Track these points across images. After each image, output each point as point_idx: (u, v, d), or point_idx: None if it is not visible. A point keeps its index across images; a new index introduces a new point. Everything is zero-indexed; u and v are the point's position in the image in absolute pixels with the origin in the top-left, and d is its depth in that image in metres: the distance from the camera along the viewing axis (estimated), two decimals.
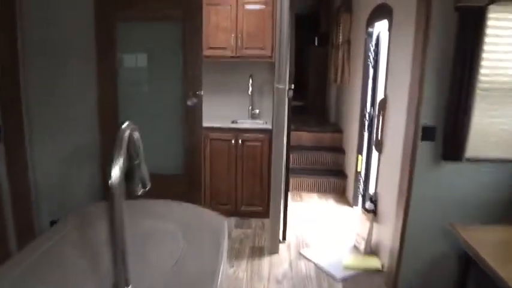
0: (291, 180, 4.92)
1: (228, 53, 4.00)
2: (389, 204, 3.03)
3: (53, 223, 2.47)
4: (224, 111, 4.47)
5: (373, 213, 3.44)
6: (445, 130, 2.51)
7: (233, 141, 3.92)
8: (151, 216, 1.65)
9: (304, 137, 5.45)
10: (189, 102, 2.60)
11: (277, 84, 3.10)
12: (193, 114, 2.70)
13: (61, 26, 2.75)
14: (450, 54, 2.40)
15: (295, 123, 5.86)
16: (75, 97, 2.80)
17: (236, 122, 4.21)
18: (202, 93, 2.70)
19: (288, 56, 3.12)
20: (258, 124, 4.08)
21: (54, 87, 2.80)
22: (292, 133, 5.46)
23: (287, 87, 3.16)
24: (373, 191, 3.63)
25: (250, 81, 4.24)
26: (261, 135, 3.88)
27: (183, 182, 2.84)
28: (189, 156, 2.82)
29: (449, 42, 2.39)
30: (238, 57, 4.01)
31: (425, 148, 2.58)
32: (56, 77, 2.79)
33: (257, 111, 4.36)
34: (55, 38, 2.75)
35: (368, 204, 3.51)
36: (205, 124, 3.95)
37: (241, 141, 3.92)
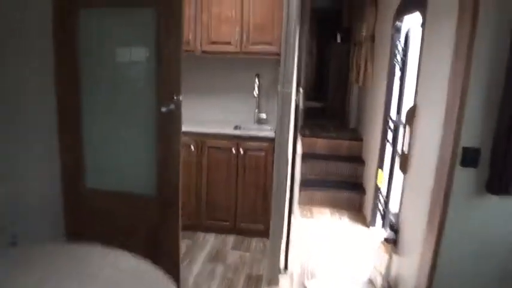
0: (301, 193, 4.39)
1: (232, 48, 3.49)
2: (415, 235, 2.47)
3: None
4: (226, 115, 3.96)
5: (393, 243, 2.88)
6: (493, 155, 1.94)
7: (234, 150, 3.42)
8: (69, 276, 1.16)
9: (320, 143, 4.89)
10: (163, 109, 2.09)
11: (281, 87, 2.57)
12: (168, 123, 2.17)
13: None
14: (504, 61, 1.82)
15: (311, 128, 5.32)
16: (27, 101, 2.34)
17: (239, 128, 3.70)
18: (181, 98, 2.19)
19: (296, 54, 2.58)
20: (264, 131, 3.56)
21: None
22: (306, 139, 4.96)
23: (294, 91, 2.63)
24: (395, 217, 3.06)
25: (257, 81, 3.71)
26: (265, 144, 3.36)
27: (155, 207, 2.32)
28: (164, 174, 2.28)
29: (504, 45, 1.81)
30: (243, 53, 3.49)
31: (465, 175, 2.01)
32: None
33: (264, 115, 3.83)
34: None
35: (388, 233, 2.95)
36: (203, 130, 3.48)
37: (244, 150, 3.41)
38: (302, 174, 4.60)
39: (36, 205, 2.36)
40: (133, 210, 2.36)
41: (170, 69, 2.11)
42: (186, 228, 3.64)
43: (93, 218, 2.43)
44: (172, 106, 2.09)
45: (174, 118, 2.15)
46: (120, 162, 2.45)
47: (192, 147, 3.47)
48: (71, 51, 2.30)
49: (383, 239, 3.01)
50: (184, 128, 3.34)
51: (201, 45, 3.53)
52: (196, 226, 3.64)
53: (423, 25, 2.65)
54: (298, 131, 2.96)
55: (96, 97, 2.40)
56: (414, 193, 2.65)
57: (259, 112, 3.85)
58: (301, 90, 2.67)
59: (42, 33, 2.34)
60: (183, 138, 3.39)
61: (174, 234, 2.32)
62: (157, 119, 2.19)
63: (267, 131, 3.49)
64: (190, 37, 3.51)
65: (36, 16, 2.30)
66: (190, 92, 4.07)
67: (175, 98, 2.10)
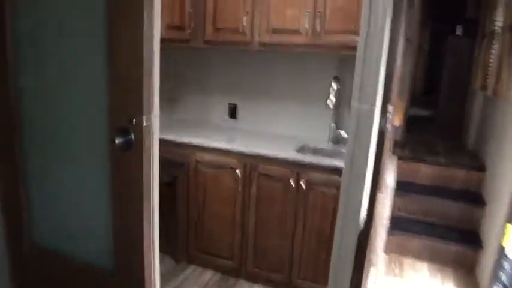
0: (389, 238, 3.26)
1: (301, 39, 2.51)
2: None
3: None
4: (289, 130, 3.01)
5: None
6: None
7: (293, 182, 2.46)
8: None
9: (423, 171, 3.65)
10: (118, 140, 1.21)
11: (357, 101, 1.56)
12: (127, 162, 1.28)
13: None
14: None
15: (413, 147, 4.08)
16: None
17: (305, 150, 2.73)
18: (157, 115, 1.29)
19: (384, 52, 1.54)
20: (338, 158, 2.54)
21: None
22: (405, 164, 3.76)
23: (378, 110, 1.58)
24: None
25: (334, 85, 2.68)
26: (338, 178, 2.34)
27: (111, 284, 1.46)
28: (125, 240, 1.40)
29: None
30: (316, 46, 2.50)
31: None
32: None
33: (343, 133, 2.79)
34: None
35: None
36: (254, 150, 2.58)
37: (306, 183, 2.44)
38: (393, 210, 3.45)
39: None
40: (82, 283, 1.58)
41: (129, 73, 1.22)
42: (226, 271, 2.83)
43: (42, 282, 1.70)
44: (130, 136, 1.22)
45: (135, 153, 1.27)
46: (67, 219, 1.68)
47: (238, 173, 2.60)
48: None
49: None
50: (228, 146, 2.53)
51: (258, 35, 2.62)
52: (238, 272, 2.78)
53: None
54: (385, 160, 1.91)
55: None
56: None
57: (337, 128, 2.81)
58: (390, 108, 1.61)
59: None
60: (227, 159, 2.58)
61: None
62: (111, 155, 1.33)
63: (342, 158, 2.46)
64: (244, 23, 2.62)
65: None
66: (242, 97, 3.13)
67: (134, 121, 1.22)
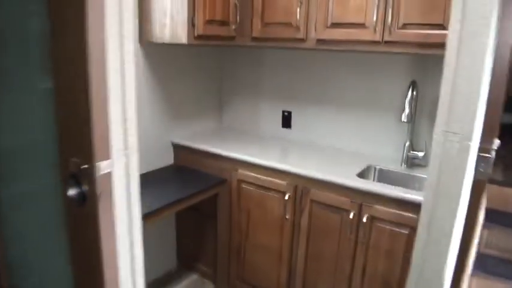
0: (472, 281, 2.61)
1: (368, 34, 1.98)
2: None
3: None
4: (351, 143, 2.49)
5: None
6: None
7: (352, 214, 1.97)
8: None
9: None
10: (71, 192, 0.82)
11: (440, 131, 1.03)
12: (86, 221, 0.86)
13: None
14: None
15: (505, 165, 3.32)
16: None
17: (370, 172, 2.21)
18: (132, 153, 0.89)
19: (486, 57, 0.99)
20: (412, 186, 1.99)
21: None
22: (494, 188, 3.01)
23: (474, 145, 1.04)
24: None
25: (411, 93, 2.11)
26: (411, 216, 1.80)
27: None
28: None
29: None
30: (387, 43, 1.96)
31: None
32: None
33: (420, 154, 2.21)
34: None
35: None
36: (306, 171, 2.12)
37: (370, 217, 1.93)
38: (478, 245, 2.78)
39: None
40: None
41: (66, 100, 0.82)
42: None
43: None
44: (84, 187, 0.83)
45: (89, 211, 0.86)
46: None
47: (287, 197, 2.16)
48: None
49: None
50: (276, 164, 2.10)
51: (315, 31, 2.14)
52: None
53: None
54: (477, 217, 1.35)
55: None
56: None
57: (412, 148, 2.24)
58: (495, 144, 1.05)
59: None
60: (274, 180, 2.15)
61: None
62: (68, 209, 0.95)
63: (421, 192, 1.90)
64: (297, 16, 2.15)
65: None
66: (298, 103, 2.66)
67: (85, 167, 0.81)
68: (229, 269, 2.53)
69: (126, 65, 0.79)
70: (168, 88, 2.53)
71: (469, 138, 1.00)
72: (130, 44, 0.81)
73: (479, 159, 1.02)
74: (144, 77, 2.35)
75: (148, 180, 2.37)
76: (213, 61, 2.86)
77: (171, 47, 2.45)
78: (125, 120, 0.82)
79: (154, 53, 2.38)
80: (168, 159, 2.63)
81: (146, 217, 1.90)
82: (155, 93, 2.45)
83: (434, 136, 1.07)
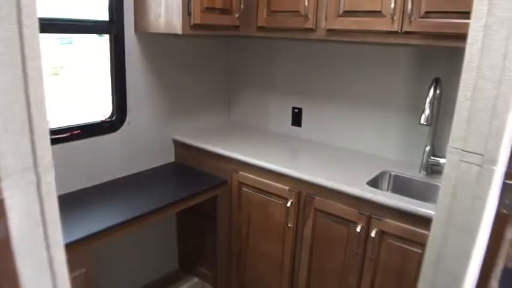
0: None
1: (385, 24, 1.73)
2: None
3: None
4: (365, 144, 2.26)
5: None
6: None
7: (359, 227, 1.75)
8: None
9: None
10: None
11: (455, 149, 0.81)
12: None
13: None
14: None
15: None
16: None
17: (383, 179, 1.98)
18: (29, 183, 0.71)
19: None
20: (431, 198, 1.76)
21: None
22: None
23: (500, 169, 0.81)
24: None
25: (433, 92, 1.85)
26: (426, 232, 1.57)
27: None
28: None
29: None
30: (406, 34, 1.70)
31: None
32: None
33: (443, 161, 1.95)
34: None
35: None
36: (311, 177, 1.90)
37: (380, 231, 1.71)
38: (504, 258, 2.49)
39: None
40: None
41: None
42: None
43: None
44: None
45: None
46: None
47: (289, 203, 1.96)
48: None
49: None
50: (277, 167, 1.92)
51: (325, 19, 1.90)
52: None
53: None
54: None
55: None
56: None
57: (433, 153, 1.98)
58: None
59: None
60: (276, 184, 1.96)
61: None
62: None
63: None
64: (306, 3, 1.92)
65: None
66: (309, 100, 2.43)
67: None
68: (229, 274, 2.37)
69: (27, 44, 0.61)
70: (169, 82, 2.37)
71: (493, 161, 0.78)
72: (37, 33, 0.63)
73: (506, 189, 0.80)
74: (141, 69, 2.19)
75: (147, 179, 2.24)
76: (220, 53, 2.66)
77: (172, 38, 2.27)
78: (30, 130, 0.64)
79: (153, 44, 2.21)
80: (169, 156, 2.48)
81: (143, 218, 1.82)
82: (155, 87, 2.29)
83: (448, 155, 0.84)
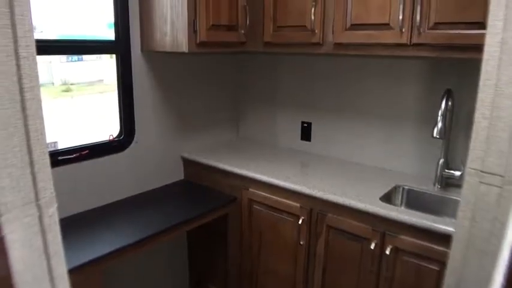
0: None
1: (393, 36, 1.70)
2: None
3: None
4: (376, 159, 2.21)
5: None
6: None
7: (373, 245, 1.70)
8: None
9: None
10: None
11: (473, 170, 0.77)
12: None
13: None
14: None
15: None
16: None
17: (396, 194, 1.93)
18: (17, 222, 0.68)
19: None
20: (446, 213, 1.71)
21: None
22: None
23: None
24: None
25: (445, 103, 1.81)
26: (443, 249, 1.52)
27: None
28: None
29: None
30: (416, 46, 1.67)
31: None
32: None
33: (457, 174, 1.90)
34: None
35: None
36: (323, 193, 1.86)
37: (394, 248, 1.66)
38: None
39: None
40: None
41: None
42: None
43: None
44: None
45: None
46: None
47: (301, 221, 1.92)
48: None
49: None
50: (288, 184, 1.88)
51: (332, 33, 1.88)
52: None
53: None
54: None
55: None
56: None
57: (447, 166, 1.93)
58: None
59: None
60: (287, 201, 1.92)
61: None
62: None
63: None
64: (312, 17, 1.90)
65: None
66: (318, 114, 2.38)
67: None
68: None
69: (24, 76, 0.59)
70: (177, 99, 2.36)
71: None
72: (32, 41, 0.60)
73: None
74: (149, 88, 2.18)
75: (157, 197, 2.22)
76: (227, 69, 2.65)
77: (179, 56, 2.27)
78: (30, 162, 0.63)
79: (160, 62, 2.21)
80: (178, 174, 2.46)
81: (153, 238, 1.79)
82: (162, 105, 2.28)
83: (466, 176, 0.81)
